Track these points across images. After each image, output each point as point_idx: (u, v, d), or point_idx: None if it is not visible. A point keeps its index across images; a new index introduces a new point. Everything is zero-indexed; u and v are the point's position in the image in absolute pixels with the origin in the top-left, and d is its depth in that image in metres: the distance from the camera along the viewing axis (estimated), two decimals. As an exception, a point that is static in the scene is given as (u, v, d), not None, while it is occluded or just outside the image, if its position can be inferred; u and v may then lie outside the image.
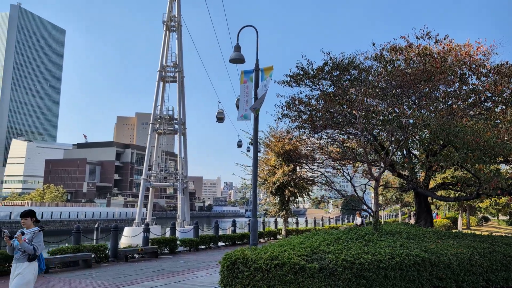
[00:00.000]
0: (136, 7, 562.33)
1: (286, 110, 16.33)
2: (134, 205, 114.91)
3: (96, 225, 21.32)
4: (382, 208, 31.20)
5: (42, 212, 71.33)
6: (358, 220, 24.98)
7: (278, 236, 27.86)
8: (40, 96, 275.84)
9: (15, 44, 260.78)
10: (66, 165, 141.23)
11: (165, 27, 45.30)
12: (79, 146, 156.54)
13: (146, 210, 45.51)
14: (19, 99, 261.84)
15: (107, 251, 17.17)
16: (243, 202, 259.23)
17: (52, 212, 73.48)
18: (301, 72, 16.28)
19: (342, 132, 16.18)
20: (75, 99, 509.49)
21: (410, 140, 17.70)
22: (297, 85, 16.61)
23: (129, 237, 39.38)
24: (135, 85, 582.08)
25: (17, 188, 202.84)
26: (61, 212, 75.39)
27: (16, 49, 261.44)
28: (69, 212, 77.53)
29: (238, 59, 14.17)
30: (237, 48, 14.30)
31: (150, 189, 44.52)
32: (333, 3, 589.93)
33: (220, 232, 25.77)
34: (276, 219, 29.19)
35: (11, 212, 66.48)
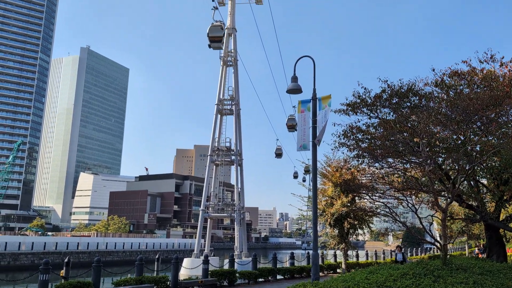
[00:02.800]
0: (194, 43, 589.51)
1: (343, 139, 16.07)
2: (192, 235, 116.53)
3: (156, 256, 21.75)
4: (451, 241, 29.38)
5: (107, 243, 74.17)
6: (399, 256, 22.39)
7: (338, 270, 26.91)
8: (106, 131, 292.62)
9: (84, 84, 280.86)
10: (129, 196, 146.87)
11: (222, 62, 46.84)
12: (141, 178, 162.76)
13: (204, 241, 45.97)
14: (87, 135, 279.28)
15: (168, 283, 17.36)
16: (300, 234, 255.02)
17: (115, 243, 76.12)
18: (358, 100, 16.05)
19: (404, 161, 15.60)
20: (137, 133, 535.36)
21: (478, 169, 16.69)
22: (354, 113, 16.35)
23: (188, 269, 39.77)
24: (194, 118, 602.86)
25: (84, 220, 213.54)
26: (123, 243, 77.89)
27: (85, 88, 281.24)
28: (131, 243, 79.92)
29: (295, 90, 14.24)
30: (294, 79, 14.40)
31: (208, 220, 45.05)
32: (385, 30, 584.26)
33: (278, 265, 25.36)
34: (335, 252, 28.31)
35: (78, 243, 69.70)
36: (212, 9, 42.69)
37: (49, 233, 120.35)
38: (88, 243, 71.19)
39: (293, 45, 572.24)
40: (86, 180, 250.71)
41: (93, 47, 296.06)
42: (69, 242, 69.36)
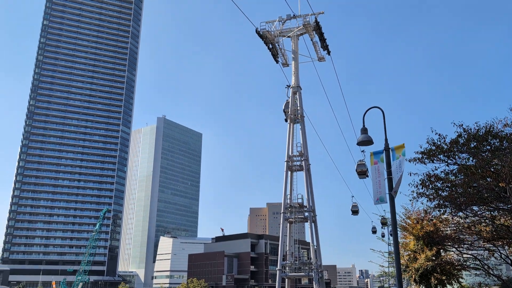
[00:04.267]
0: (260, 104, 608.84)
1: (421, 188, 15.39)
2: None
3: None
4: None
5: (187, 306, 74.50)
6: None
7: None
8: (182, 195, 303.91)
9: (161, 151, 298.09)
10: (206, 258, 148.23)
11: (288, 119, 47.74)
12: (217, 239, 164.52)
13: (284, 303, 44.54)
14: (165, 199, 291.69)
15: None
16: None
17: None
18: (434, 147, 15.48)
19: (491, 208, 14.49)
20: (211, 195, 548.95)
21: None
22: (431, 161, 15.71)
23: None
24: (266, 176, 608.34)
25: (165, 283, 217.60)
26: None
27: (162, 155, 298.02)
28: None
29: (366, 141, 14.00)
30: (364, 130, 14.23)
31: (286, 280, 43.91)
32: (452, 73, 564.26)
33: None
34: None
35: (160, 307, 70.79)
36: (285, 87, 45.65)
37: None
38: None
39: (359, 97, 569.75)
40: (166, 243, 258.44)
41: (168, 116, 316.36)
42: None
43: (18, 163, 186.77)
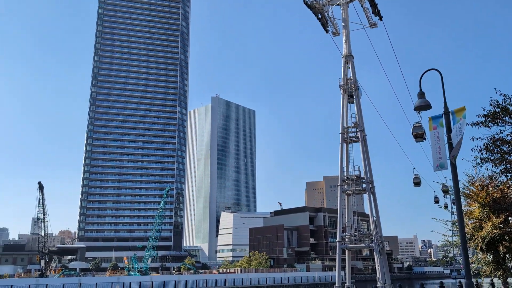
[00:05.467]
0: (313, 76, 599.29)
1: (486, 153, 14.62)
2: (332, 268, 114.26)
3: None
4: None
5: (251, 279, 76.98)
6: None
7: (499, 301, 23.68)
8: (240, 171, 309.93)
9: (217, 130, 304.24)
10: (266, 232, 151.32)
11: (342, 90, 46.70)
12: (276, 213, 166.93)
13: (345, 273, 44.75)
14: (224, 176, 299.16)
15: None
16: (447, 261, 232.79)
17: (258, 278, 78.54)
18: (498, 109, 14.58)
19: None
20: (268, 170, 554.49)
21: None
22: (495, 124, 14.82)
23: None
24: (320, 150, 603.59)
25: (228, 256, 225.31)
26: (266, 278, 79.92)
27: (218, 133, 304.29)
28: (273, 278, 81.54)
29: (424, 106, 13.49)
30: (421, 95, 13.72)
31: (346, 251, 43.88)
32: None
33: (428, 297, 23.41)
34: (491, 280, 25.06)
35: (225, 279, 73.62)
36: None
37: (201, 271, 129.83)
38: (234, 279, 74.66)
39: (414, 62, 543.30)
40: (227, 218, 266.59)
41: (222, 95, 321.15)
42: (217, 279, 73.64)
43: (86, 147, 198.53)
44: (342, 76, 46.46)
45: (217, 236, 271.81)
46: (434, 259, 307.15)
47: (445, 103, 13.59)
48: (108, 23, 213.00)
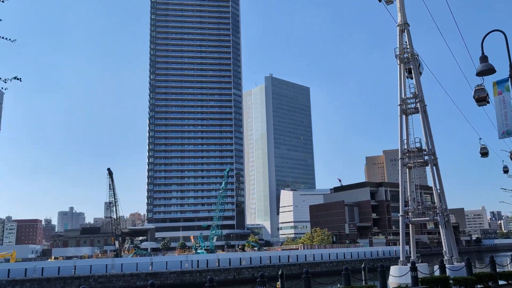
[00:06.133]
0: (367, 49, 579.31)
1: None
2: (396, 243, 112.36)
3: (362, 265, 22.02)
4: None
5: (313, 255, 77.79)
6: None
7: None
8: (297, 149, 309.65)
9: (272, 109, 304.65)
10: (327, 208, 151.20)
11: (398, 60, 45.19)
12: (336, 189, 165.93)
13: (409, 247, 44.14)
14: (281, 155, 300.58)
15: None
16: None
17: (321, 254, 79.14)
18: None
19: None
20: (325, 147, 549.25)
21: None
22: None
23: (396, 277, 38.74)
24: (378, 124, 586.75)
25: (290, 234, 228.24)
26: (329, 254, 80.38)
27: (274, 113, 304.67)
28: (336, 254, 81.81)
29: (487, 70, 12.80)
30: (484, 59, 13.03)
31: (410, 225, 43.17)
32: None
33: (498, 269, 22.72)
34: None
35: (288, 256, 74.95)
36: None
37: (265, 248, 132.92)
38: (297, 255, 75.81)
39: (473, 26, 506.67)
40: (286, 196, 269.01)
41: (275, 74, 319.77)
42: (280, 255, 75.20)
43: (149, 134, 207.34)
44: (398, 46, 44.92)
45: (278, 214, 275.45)
46: (505, 231, 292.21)
47: (511, 65, 12.96)
48: (161, 11, 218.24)
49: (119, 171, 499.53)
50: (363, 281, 20.72)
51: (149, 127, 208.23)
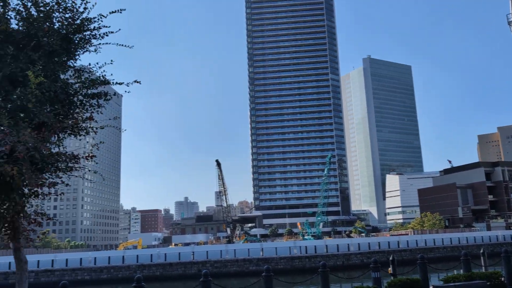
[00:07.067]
0: (472, 13, 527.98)
1: None
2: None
3: (481, 251, 21.37)
4: None
5: (425, 240, 75.37)
6: None
7: None
8: (401, 131, 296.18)
9: (372, 91, 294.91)
10: (437, 192, 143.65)
11: (511, 27, 42.15)
12: (446, 172, 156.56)
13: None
14: (384, 138, 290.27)
15: (502, 279, 16.49)
16: None
17: (434, 239, 76.32)
18: None
19: None
20: (431, 128, 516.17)
21: None
22: None
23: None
24: (490, 98, 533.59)
25: (398, 219, 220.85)
26: (442, 239, 77.21)
27: (374, 95, 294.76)
28: (450, 238, 78.28)
29: None
30: None
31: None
32: None
33: None
34: None
35: (398, 241, 73.61)
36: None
37: (372, 234, 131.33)
38: (407, 241, 74.16)
39: None
40: (392, 181, 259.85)
41: (373, 55, 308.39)
42: (390, 241, 74.23)
43: (251, 124, 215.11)
44: (510, 12, 41.86)
45: (384, 199, 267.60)
46: None
47: None
48: (256, 4, 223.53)
49: (226, 161, 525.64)
50: (483, 267, 20.29)
51: (250, 118, 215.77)
